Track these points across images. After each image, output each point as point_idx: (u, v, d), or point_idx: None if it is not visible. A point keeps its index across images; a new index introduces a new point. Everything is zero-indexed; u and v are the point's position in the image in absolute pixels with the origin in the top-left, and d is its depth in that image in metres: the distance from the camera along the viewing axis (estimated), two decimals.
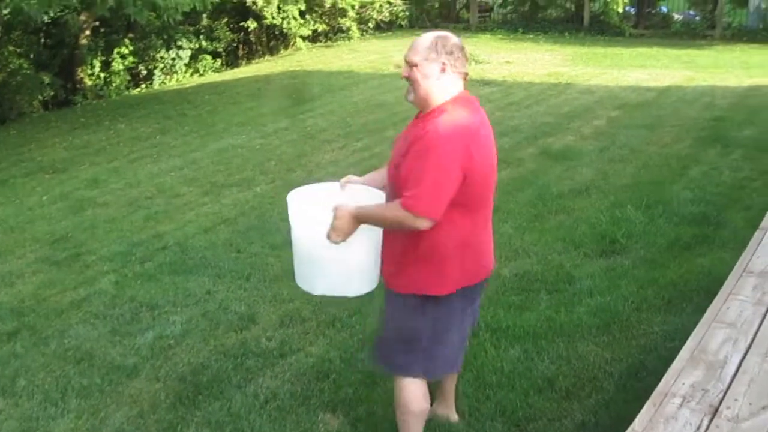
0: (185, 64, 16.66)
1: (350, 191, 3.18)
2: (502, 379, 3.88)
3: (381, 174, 3.22)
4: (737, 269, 3.51)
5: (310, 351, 4.41)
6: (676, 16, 19.02)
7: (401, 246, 2.93)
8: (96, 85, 15.48)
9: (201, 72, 17.03)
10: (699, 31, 17.57)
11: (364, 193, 3.12)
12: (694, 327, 4.27)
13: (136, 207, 7.47)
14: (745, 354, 2.81)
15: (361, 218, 2.85)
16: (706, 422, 2.42)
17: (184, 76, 16.65)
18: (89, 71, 15.41)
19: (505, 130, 9.31)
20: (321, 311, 4.88)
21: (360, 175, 3.37)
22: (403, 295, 2.99)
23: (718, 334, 2.95)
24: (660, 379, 3.73)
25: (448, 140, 2.73)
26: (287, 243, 5.97)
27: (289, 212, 3.12)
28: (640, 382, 3.80)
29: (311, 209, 3.03)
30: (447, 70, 2.86)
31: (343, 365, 4.20)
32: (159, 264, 5.92)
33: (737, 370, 2.70)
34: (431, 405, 3.32)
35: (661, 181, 6.88)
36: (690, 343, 2.89)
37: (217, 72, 17.16)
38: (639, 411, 3.41)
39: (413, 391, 3.10)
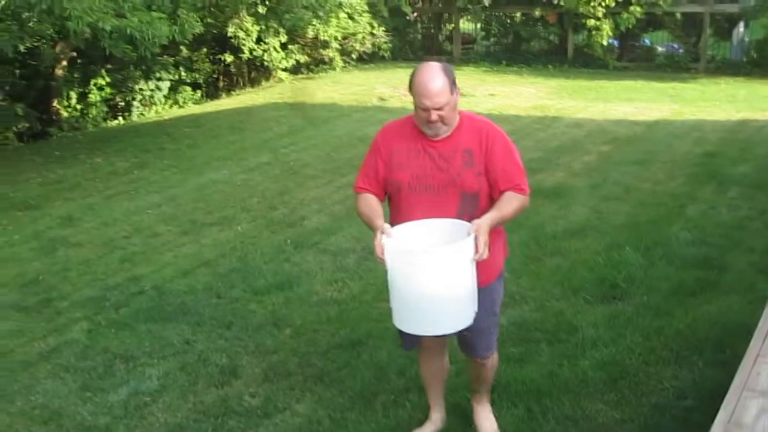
0: (164, 96, 16.34)
1: (427, 228, 3.19)
2: None
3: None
4: (762, 327, 3.24)
5: (297, 410, 4.12)
6: (660, 49, 18.99)
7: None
8: (72, 116, 15.07)
9: (181, 104, 16.70)
10: (683, 64, 17.50)
11: (437, 225, 3.17)
12: (708, 383, 4.05)
13: (112, 247, 7.12)
14: None
15: (494, 224, 3.11)
16: None
17: (163, 108, 16.31)
18: (65, 103, 15.05)
19: None
20: (307, 364, 4.60)
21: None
22: (498, 278, 3.45)
23: (751, 404, 2.68)
24: None
25: (504, 133, 3.33)
26: (270, 287, 5.78)
27: (413, 262, 3.01)
28: None
29: (455, 246, 3.00)
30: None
31: (333, 426, 3.92)
32: (135, 310, 5.60)
33: None
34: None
35: (659, 221, 6.66)
36: (722, 415, 2.61)
37: (197, 104, 16.85)
38: None
39: None
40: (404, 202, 3.29)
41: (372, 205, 3.30)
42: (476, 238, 2.97)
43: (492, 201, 3.22)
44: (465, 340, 3.47)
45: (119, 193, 9.13)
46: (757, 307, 4.78)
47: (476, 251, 2.97)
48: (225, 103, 16.30)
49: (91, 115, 15.25)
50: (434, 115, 3.11)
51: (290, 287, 5.81)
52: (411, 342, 3.54)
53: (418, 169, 3.23)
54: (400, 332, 3.39)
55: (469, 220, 3.08)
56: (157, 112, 16.11)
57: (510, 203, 3.17)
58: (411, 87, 3.16)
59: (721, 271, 5.51)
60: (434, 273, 2.94)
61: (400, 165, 3.27)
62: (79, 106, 15.25)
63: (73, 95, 15.15)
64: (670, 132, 10.60)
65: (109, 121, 15.61)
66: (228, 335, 5.08)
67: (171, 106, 16.51)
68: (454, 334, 3.27)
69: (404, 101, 14.13)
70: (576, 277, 5.53)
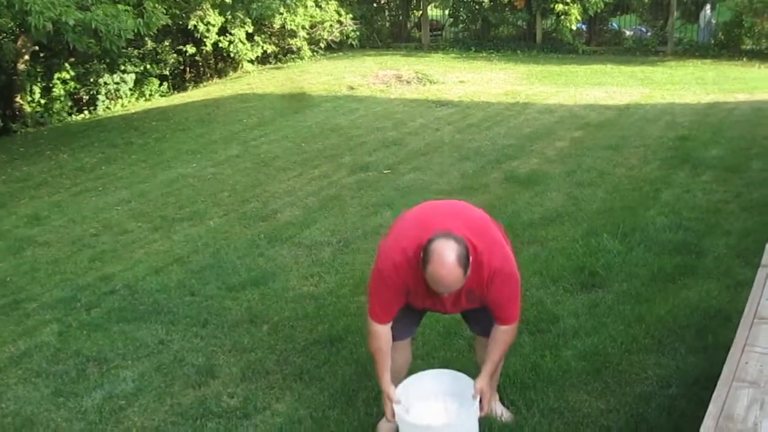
0: (130, 89, 16.09)
1: (431, 381, 3.40)
2: None
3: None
4: (747, 316, 3.20)
5: (277, 409, 4.03)
6: (627, 33, 19.01)
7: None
8: (36, 111, 14.83)
9: (147, 96, 16.48)
10: (651, 47, 17.57)
11: (434, 378, 3.42)
12: (691, 370, 4.02)
13: (81, 246, 6.98)
14: None
15: (492, 376, 3.31)
16: None
17: (129, 101, 16.09)
18: (29, 98, 14.77)
19: (467, 153, 9.05)
20: (286, 362, 4.52)
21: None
22: None
23: (742, 395, 2.63)
24: None
25: (508, 268, 3.23)
26: (245, 283, 5.68)
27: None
28: None
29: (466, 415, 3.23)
30: None
31: (315, 425, 3.83)
32: (107, 311, 5.47)
33: None
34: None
35: (634, 207, 6.63)
36: (712, 407, 2.56)
37: (164, 96, 16.63)
38: None
39: None
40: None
41: (385, 350, 3.33)
42: (481, 399, 3.21)
43: None
44: (477, 329, 3.67)
45: (87, 190, 8.96)
46: (736, 291, 4.80)
47: (482, 410, 3.21)
48: (192, 95, 16.09)
49: (55, 110, 14.99)
50: (446, 294, 3.12)
51: (265, 283, 5.71)
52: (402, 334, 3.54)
53: (431, 306, 3.37)
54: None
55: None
56: (123, 105, 15.87)
57: (502, 343, 3.32)
58: (425, 270, 2.99)
59: (698, 255, 5.48)
60: None
61: (416, 298, 3.28)
62: (42, 101, 14.99)
63: (37, 90, 14.88)
64: (642, 116, 10.61)
65: (74, 116, 15.37)
66: (203, 334, 4.97)
67: (137, 99, 16.28)
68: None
69: (373, 89, 14.06)
70: (554, 266, 5.48)
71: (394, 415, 3.22)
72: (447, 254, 2.91)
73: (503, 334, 3.29)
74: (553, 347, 4.36)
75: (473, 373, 3.72)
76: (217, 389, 4.28)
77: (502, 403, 3.80)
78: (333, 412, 3.92)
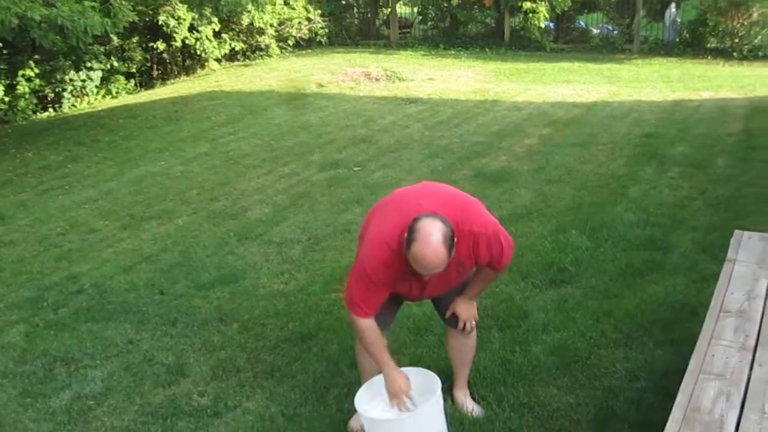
0: (96, 86, 15.88)
1: None
2: None
3: None
4: (713, 309, 3.25)
5: (248, 407, 4.02)
6: (595, 31, 19.19)
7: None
8: (0, 109, 14.61)
9: (114, 94, 16.27)
10: (617, 45, 17.76)
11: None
12: (658, 364, 4.08)
13: (47, 245, 6.88)
14: (741, 410, 2.54)
15: (472, 299, 3.56)
16: None
17: (95, 99, 15.87)
18: None
19: (436, 150, 9.07)
20: (256, 359, 4.51)
21: None
22: None
23: (709, 387, 2.67)
24: (632, 427, 3.51)
25: (489, 225, 3.26)
26: (214, 281, 5.65)
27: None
28: (611, 431, 3.53)
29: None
30: None
31: (286, 423, 3.82)
32: (74, 310, 5.41)
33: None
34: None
35: (602, 203, 6.69)
36: (680, 399, 2.60)
37: (131, 94, 16.44)
38: None
39: None
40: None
41: (379, 342, 3.29)
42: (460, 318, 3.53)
43: None
44: (452, 318, 3.65)
45: (53, 189, 8.84)
46: (701, 286, 4.87)
47: (463, 329, 3.57)
48: (160, 92, 15.94)
49: (19, 108, 14.74)
50: (429, 276, 3.12)
51: (235, 281, 5.68)
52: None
53: (419, 290, 3.35)
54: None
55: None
56: (89, 103, 15.67)
57: (484, 279, 3.49)
58: (408, 250, 2.96)
59: (665, 251, 5.55)
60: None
61: (402, 284, 3.28)
62: (6, 99, 14.73)
63: (0, 87, 14.63)
64: (609, 113, 10.72)
65: (39, 114, 15.13)
66: (173, 333, 4.94)
67: (104, 97, 16.08)
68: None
69: (342, 87, 14.04)
70: (524, 262, 5.51)
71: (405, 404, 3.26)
72: (433, 234, 2.90)
73: (491, 273, 3.43)
74: (523, 342, 4.39)
75: (444, 369, 3.74)
76: (187, 388, 4.26)
77: (473, 399, 3.82)
78: (304, 410, 3.92)
